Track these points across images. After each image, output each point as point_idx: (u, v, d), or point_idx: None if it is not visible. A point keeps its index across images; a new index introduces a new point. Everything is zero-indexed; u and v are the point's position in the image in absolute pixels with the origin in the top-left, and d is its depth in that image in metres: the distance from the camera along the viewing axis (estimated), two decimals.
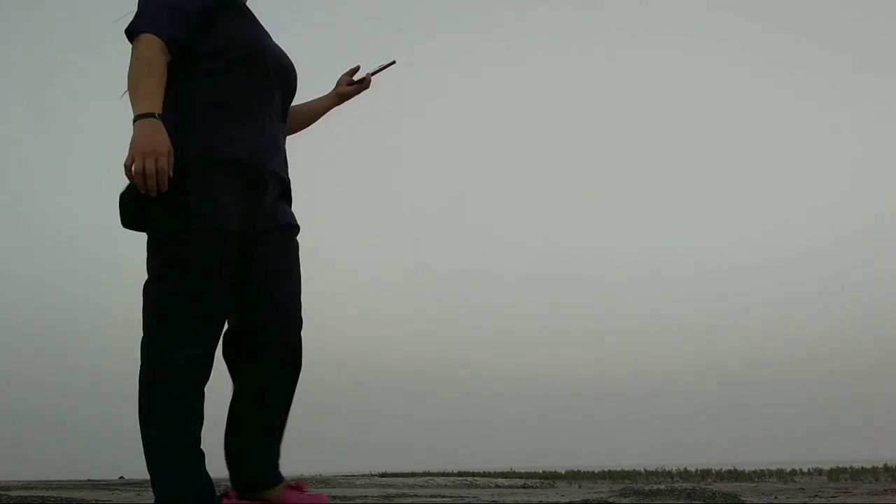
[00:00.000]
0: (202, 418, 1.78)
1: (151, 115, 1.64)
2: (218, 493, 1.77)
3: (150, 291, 1.77)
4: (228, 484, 1.92)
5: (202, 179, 1.73)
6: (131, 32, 1.74)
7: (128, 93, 1.69)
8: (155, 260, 1.77)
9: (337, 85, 2.23)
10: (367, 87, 2.22)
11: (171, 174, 1.65)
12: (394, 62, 2.24)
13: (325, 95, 2.24)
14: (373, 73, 2.24)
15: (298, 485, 1.90)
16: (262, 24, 1.99)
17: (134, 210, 1.73)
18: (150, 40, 1.71)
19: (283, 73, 1.94)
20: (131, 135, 1.63)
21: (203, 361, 1.78)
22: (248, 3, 1.97)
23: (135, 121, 1.64)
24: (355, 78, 2.22)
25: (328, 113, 2.24)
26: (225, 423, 1.91)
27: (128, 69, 1.71)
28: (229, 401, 1.93)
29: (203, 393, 1.79)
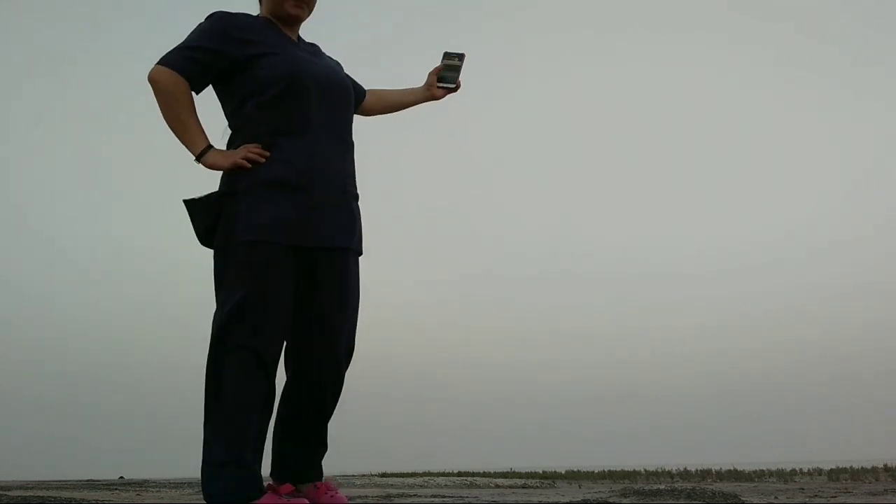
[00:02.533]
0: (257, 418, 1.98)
1: (208, 147, 1.99)
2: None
3: (217, 300, 1.99)
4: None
5: (249, 201, 1.96)
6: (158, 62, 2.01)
7: (170, 125, 2.00)
8: (218, 271, 1.99)
9: (429, 87, 2.38)
10: (456, 90, 2.37)
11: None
12: (463, 54, 2.37)
13: (417, 90, 2.40)
14: (451, 84, 2.36)
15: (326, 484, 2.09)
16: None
17: (205, 231, 1.99)
18: (171, 73, 1.99)
19: (331, 94, 2.11)
20: (206, 161, 1.99)
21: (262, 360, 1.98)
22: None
23: (199, 156, 1.98)
24: (440, 84, 2.36)
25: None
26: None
27: (160, 100, 1.98)
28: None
29: (262, 394, 1.98)
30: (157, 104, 2.01)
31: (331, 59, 2.28)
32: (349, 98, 2.17)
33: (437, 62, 2.40)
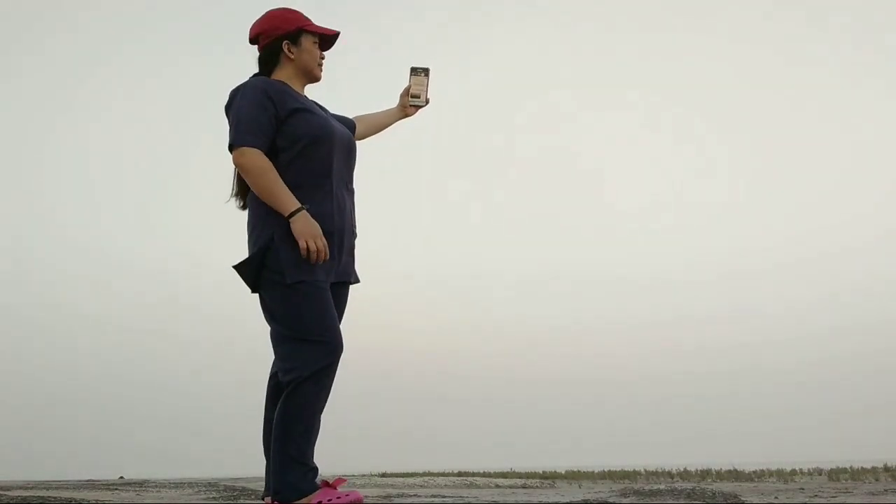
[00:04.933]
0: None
1: (300, 209, 2.22)
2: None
3: (276, 335, 2.27)
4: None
5: (289, 248, 2.23)
6: (234, 145, 2.25)
7: (262, 196, 2.24)
8: (273, 310, 2.27)
9: (402, 107, 2.71)
10: (426, 105, 2.70)
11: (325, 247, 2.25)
12: (427, 69, 2.62)
13: (392, 110, 2.72)
14: (422, 101, 2.62)
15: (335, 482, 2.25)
16: None
17: (255, 279, 2.26)
18: (255, 152, 2.24)
19: (345, 150, 2.41)
20: (294, 226, 2.22)
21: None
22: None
23: (290, 217, 2.22)
24: (411, 102, 2.66)
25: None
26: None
27: (251, 177, 2.25)
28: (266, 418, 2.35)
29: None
30: (247, 176, 2.27)
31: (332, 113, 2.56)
32: (355, 153, 2.49)
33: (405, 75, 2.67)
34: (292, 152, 2.30)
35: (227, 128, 2.32)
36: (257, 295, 2.34)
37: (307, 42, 2.42)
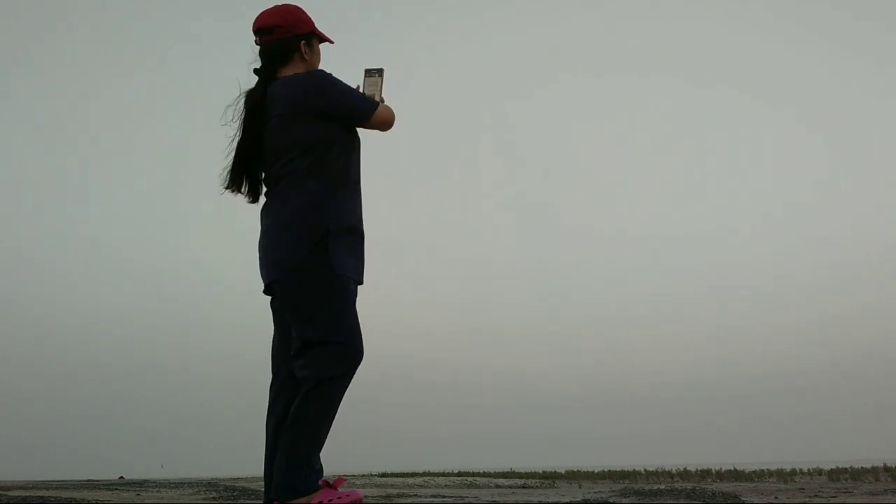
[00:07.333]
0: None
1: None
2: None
3: (300, 333, 2.23)
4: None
5: (338, 242, 2.24)
6: (369, 113, 2.36)
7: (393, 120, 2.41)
8: (304, 307, 2.23)
9: None
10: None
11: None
12: (381, 69, 2.55)
13: None
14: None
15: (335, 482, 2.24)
16: None
17: (306, 256, 2.22)
18: (384, 110, 2.38)
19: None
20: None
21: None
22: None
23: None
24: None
25: None
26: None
27: (387, 124, 2.40)
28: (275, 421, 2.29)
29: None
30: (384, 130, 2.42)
31: None
32: None
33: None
34: (340, 146, 2.30)
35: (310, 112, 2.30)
36: (266, 293, 2.30)
37: (317, 46, 2.42)
